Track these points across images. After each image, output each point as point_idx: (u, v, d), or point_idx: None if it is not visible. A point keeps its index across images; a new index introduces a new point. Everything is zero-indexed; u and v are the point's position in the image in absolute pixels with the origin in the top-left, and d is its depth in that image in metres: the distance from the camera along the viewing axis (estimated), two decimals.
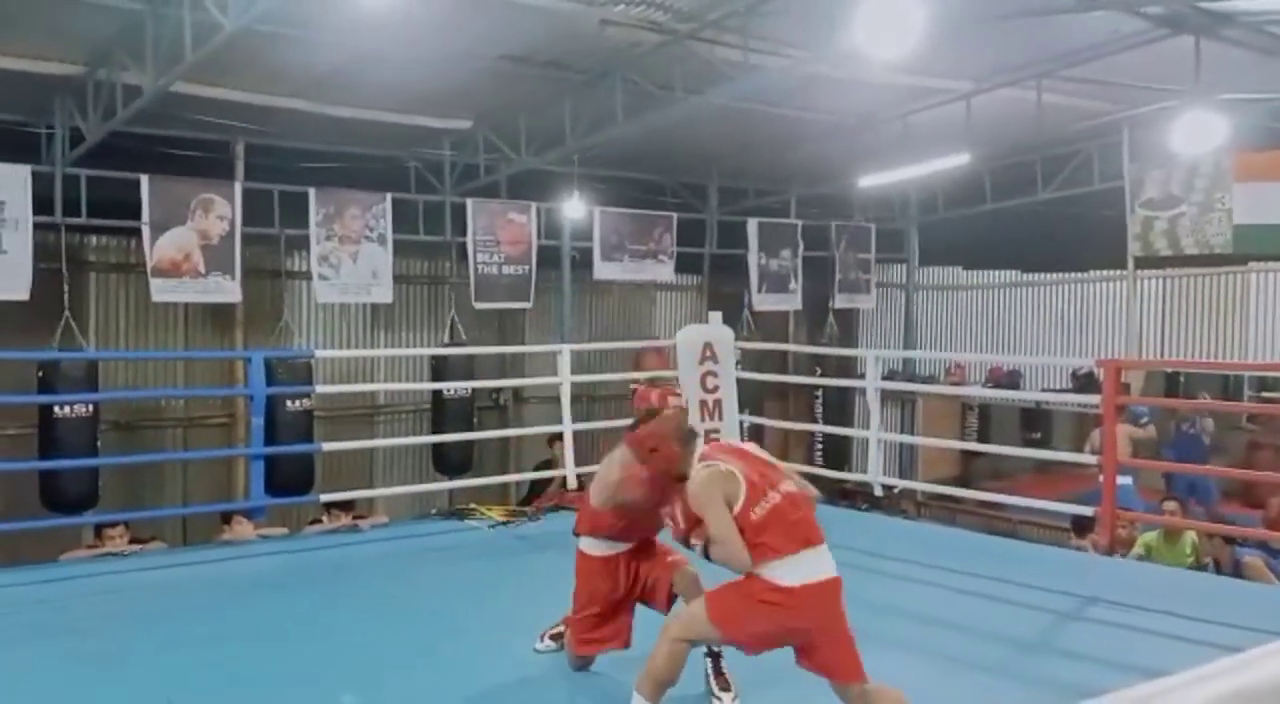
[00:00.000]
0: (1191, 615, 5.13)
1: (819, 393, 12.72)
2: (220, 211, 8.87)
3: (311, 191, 9.40)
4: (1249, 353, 11.37)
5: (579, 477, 8.41)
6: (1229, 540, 7.11)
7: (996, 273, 14.46)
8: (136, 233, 8.77)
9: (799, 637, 3.55)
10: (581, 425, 8.82)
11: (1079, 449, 9.49)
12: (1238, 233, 9.58)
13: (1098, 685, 2.27)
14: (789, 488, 3.63)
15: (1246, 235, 9.56)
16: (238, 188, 9.06)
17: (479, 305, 10.63)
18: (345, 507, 7.79)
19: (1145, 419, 9.35)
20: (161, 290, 8.71)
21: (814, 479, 6.15)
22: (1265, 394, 12.64)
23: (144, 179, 8.62)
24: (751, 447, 3.90)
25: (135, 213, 8.62)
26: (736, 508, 3.49)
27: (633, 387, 5.82)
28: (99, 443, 8.13)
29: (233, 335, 9.86)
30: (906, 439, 13.20)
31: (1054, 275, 13.70)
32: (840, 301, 13.65)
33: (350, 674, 4.39)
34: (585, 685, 4.27)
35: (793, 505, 3.56)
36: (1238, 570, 6.79)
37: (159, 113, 7.96)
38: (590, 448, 11.10)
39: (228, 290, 9.00)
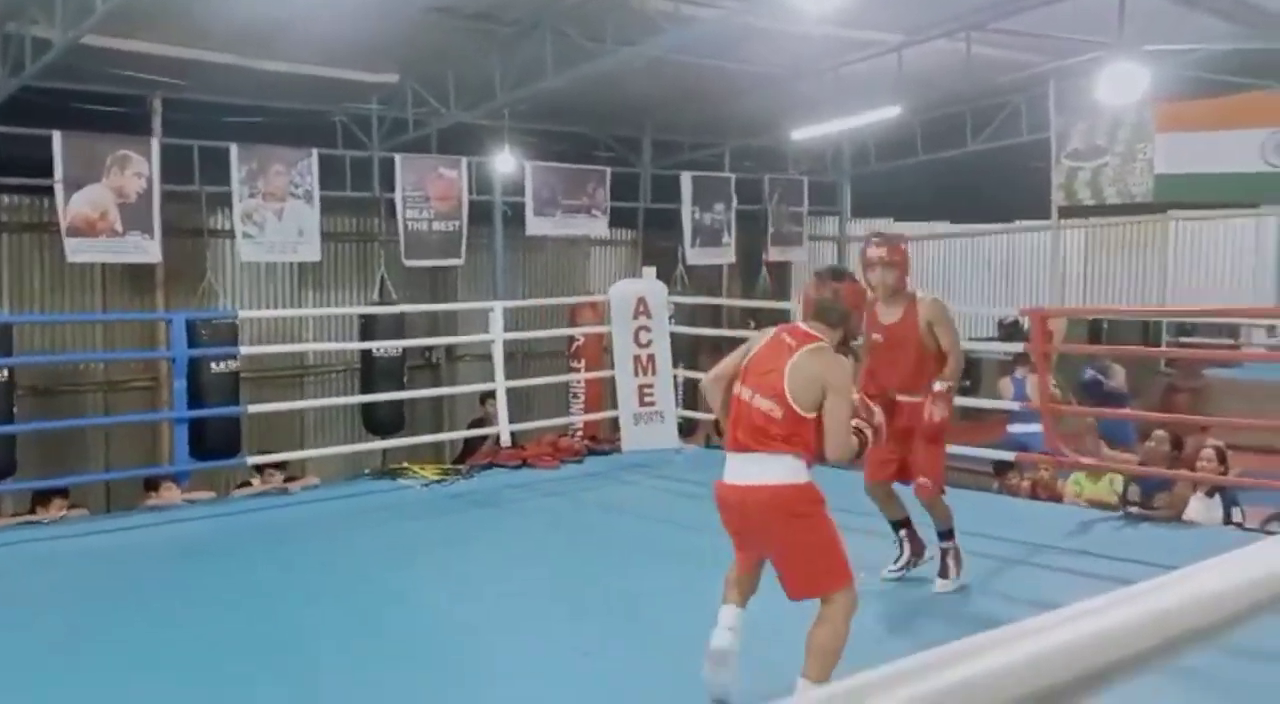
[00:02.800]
0: (1105, 554, 5.33)
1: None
2: (137, 168, 8.57)
3: (233, 147, 9.12)
4: (1168, 298, 11.69)
5: (512, 434, 8.37)
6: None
7: (927, 224, 14.64)
8: (50, 191, 8.45)
9: (733, 534, 3.55)
10: (514, 383, 8.75)
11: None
12: (1158, 182, 9.77)
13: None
14: (760, 403, 3.40)
15: (1167, 184, 9.76)
16: (155, 144, 8.75)
17: (409, 263, 10.46)
18: (276, 469, 7.66)
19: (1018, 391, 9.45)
20: (77, 250, 8.42)
21: None
22: (1183, 339, 13.03)
23: (56, 135, 8.29)
24: (795, 343, 3.48)
25: (48, 171, 8.30)
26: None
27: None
28: (15, 409, 7.87)
29: (153, 297, 9.57)
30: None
31: (982, 226, 13.91)
32: (774, 254, 13.70)
33: (285, 641, 4.33)
34: (532, 649, 4.26)
35: (750, 411, 3.42)
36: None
37: (72, 67, 7.64)
38: (524, 406, 11.08)
39: (147, 250, 8.73)
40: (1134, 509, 6.41)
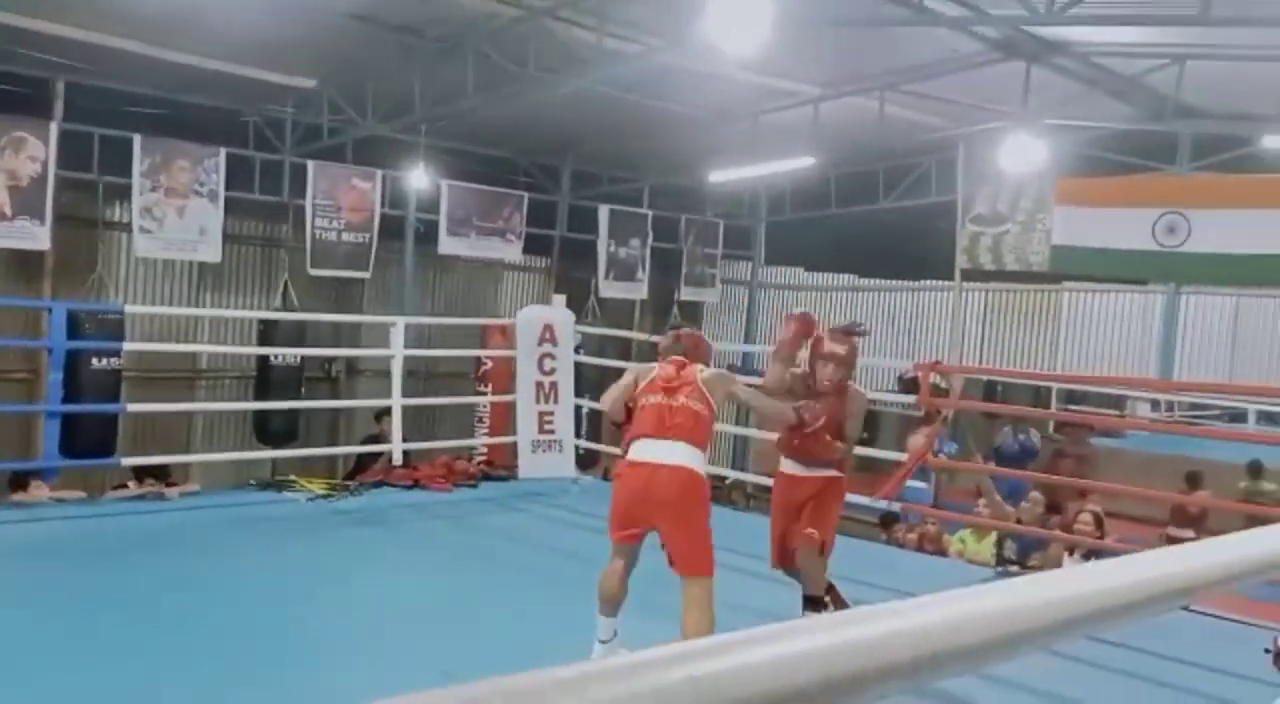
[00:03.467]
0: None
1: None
2: (32, 152, 8.28)
3: (136, 138, 8.87)
4: (1059, 364, 12.09)
5: (407, 454, 8.23)
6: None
7: (837, 276, 14.96)
8: None
9: (630, 514, 3.96)
10: (411, 401, 8.62)
11: (902, 449, 9.86)
12: (1054, 253, 10.14)
13: None
14: (685, 404, 4.02)
15: (1061, 256, 10.13)
16: (54, 128, 8.47)
17: (314, 272, 10.28)
18: (157, 473, 7.38)
19: (943, 454, 9.66)
20: None
21: None
22: (1071, 407, 13.48)
23: None
24: (694, 372, 4.17)
25: None
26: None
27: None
28: None
29: (40, 285, 9.21)
30: (739, 431, 13.49)
31: (889, 282, 14.26)
32: (686, 293, 13.83)
33: (132, 650, 4.15)
34: (391, 666, 4.16)
35: (673, 411, 4.00)
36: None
37: None
38: (427, 426, 10.93)
39: (36, 236, 8.42)
40: (1011, 567, 6.57)
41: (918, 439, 9.12)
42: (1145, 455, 10.64)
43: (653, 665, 0.65)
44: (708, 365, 4.38)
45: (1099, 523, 7.13)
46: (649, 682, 0.63)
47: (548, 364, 8.88)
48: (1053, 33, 7.59)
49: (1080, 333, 12.21)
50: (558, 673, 0.64)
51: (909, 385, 12.55)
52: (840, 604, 4.60)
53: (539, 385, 8.81)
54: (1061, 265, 10.53)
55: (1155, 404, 13.27)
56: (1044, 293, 12.41)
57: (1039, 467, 12.17)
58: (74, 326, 7.37)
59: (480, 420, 10.87)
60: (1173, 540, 9.02)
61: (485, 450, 9.76)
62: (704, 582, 3.86)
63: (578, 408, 9.11)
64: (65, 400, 7.08)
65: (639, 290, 13.20)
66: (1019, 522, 7.10)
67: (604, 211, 12.64)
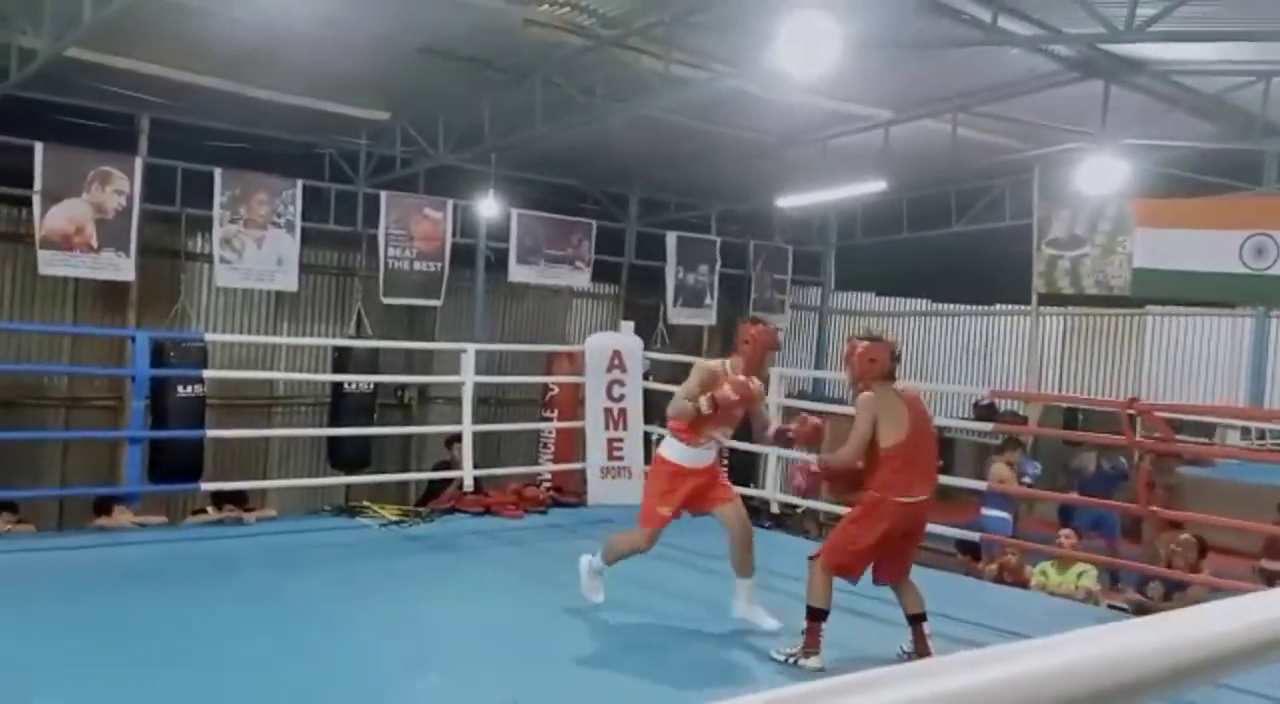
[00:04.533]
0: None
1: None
2: (118, 186, 8.55)
3: (217, 172, 9.12)
4: (1142, 393, 11.70)
5: (478, 480, 8.26)
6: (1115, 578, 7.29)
7: (908, 301, 14.73)
8: (28, 202, 8.40)
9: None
10: (481, 427, 8.66)
11: (979, 477, 9.62)
12: (1136, 276, 9.87)
13: None
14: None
15: (1144, 279, 9.87)
16: (138, 162, 8.74)
17: (388, 300, 10.42)
18: (235, 498, 7.51)
19: (1028, 477, 9.39)
20: (50, 263, 8.35)
21: None
22: (1156, 435, 13.04)
23: (38, 146, 8.27)
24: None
25: (28, 181, 8.26)
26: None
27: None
28: None
29: (125, 316, 9.47)
30: (809, 457, 13.29)
31: (962, 307, 14.00)
32: None
33: (218, 668, 4.20)
34: (460, 693, 4.15)
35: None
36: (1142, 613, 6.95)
37: (60, 79, 7.65)
38: (493, 451, 10.97)
39: (121, 268, 8.67)
40: (1147, 602, 6.38)
41: (1000, 468, 8.90)
42: (1235, 484, 10.22)
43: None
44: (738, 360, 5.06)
45: (1203, 551, 6.90)
46: None
47: (616, 390, 8.86)
48: (1131, 50, 7.40)
49: (1166, 358, 11.83)
50: None
51: (984, 412, 12.31)
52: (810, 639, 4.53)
53: (608, 412, 8.78)
54: (1144, 289, 10.25)
55: (1245, 431, 12.77)
56: (1126, 317, 12.06)
57: (1125, 497, 11.80)
58: (158, 355, 7.57)
59: (545, 446, 10.88)
60: (1266, 573, 8.64)
61: (550, 477, 9.76)
62: (637, 527, 5.10)
63: (646, 434, 9.06)
64: (155, 426, 7.26)
65: (707, 317, 13.15)
66: (1169, 565, 6.82)
67: (672, 238, 12.64)
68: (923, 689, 0.71)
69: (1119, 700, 0.83)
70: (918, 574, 4.83)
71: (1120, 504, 8.04)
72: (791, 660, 4.50)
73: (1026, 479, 9.08)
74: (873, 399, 4.49)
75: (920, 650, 4.55)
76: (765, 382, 5.70)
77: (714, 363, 5.18)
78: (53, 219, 8.29)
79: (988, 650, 0.79)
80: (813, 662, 4.47)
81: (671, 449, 5.06)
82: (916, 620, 4.57)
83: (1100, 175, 8.46)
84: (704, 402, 4.80)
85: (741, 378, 4.94)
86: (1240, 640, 0.94)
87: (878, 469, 4.47)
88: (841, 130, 9.72)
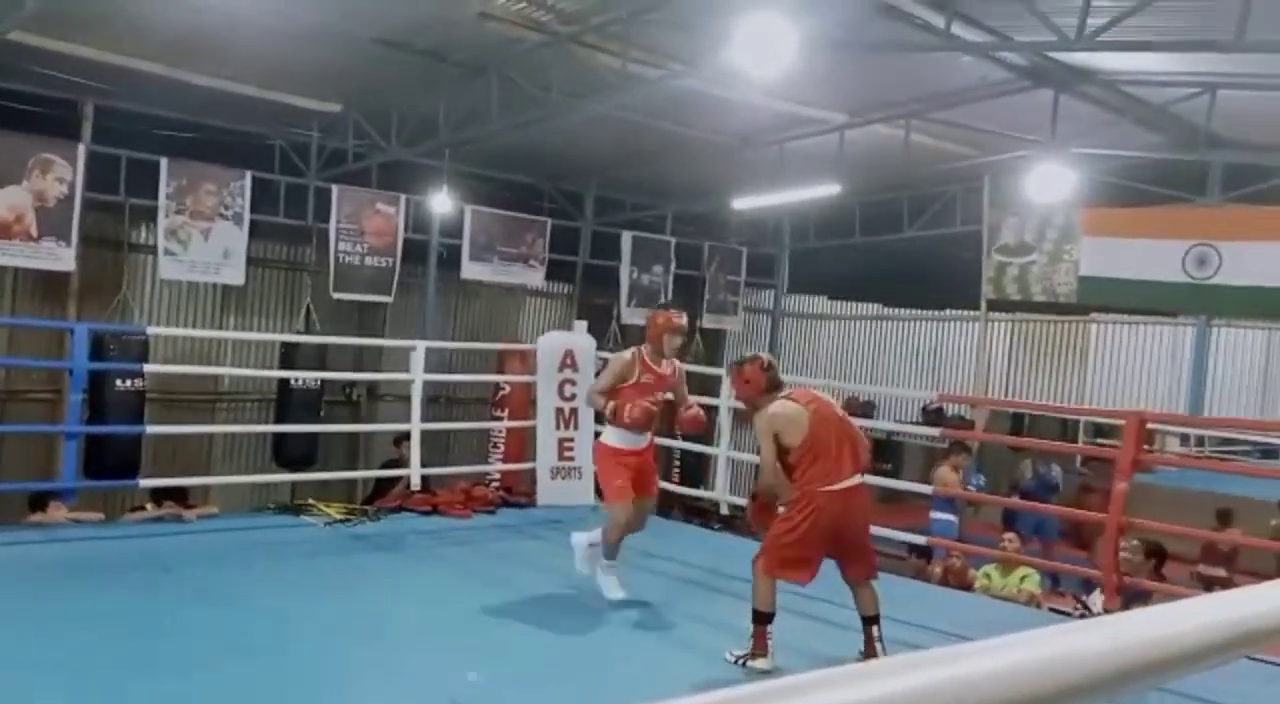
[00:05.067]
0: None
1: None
2: (60, 174, 8.33)
3: (163, 161, 8.92)
4: (1086, 398, 11.90)
5: (426, 480, 8.16)
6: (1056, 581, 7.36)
7: (860, 305, 14.84)
8: None
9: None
10: (430, 426, 8.56)
11: (926, 481, 9.70)
12: (1082, 284, 10.03)
13: None
14: None
15: (1089, 287, 10.02)
16: (81, 150, 8.53)
17: (338, 295, 10.28)
18: (175, 495, 7.34)
19: (972, 486, 9.47)
20: None
21: (666, 496, 6.59)
22: (1100, 440, 13.28)
23: None
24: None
25: None
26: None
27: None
28: None
29: (65, 307, 9.24)
30: (757, 459, 13.33)
31: (913, 312, 14.14)
32: (708, 322, 13.75)
33: (150, 670, 4.09)
34: (404, 693, 4.08)
35: None
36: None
37: (1, 64, 7.42)
38: (442, 450, 10.86)
39: (61, 258, 8.45)
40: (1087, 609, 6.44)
41: (945, 472, 8.98)
42: (1175, 491, 10.41)
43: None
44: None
45: (1160, 556, 6.99)
46: None
47: (568, 390, 8.79)
48: (1081, 60, 7.52)
49: (1109, 366, 12.03)
50: None
51: (933, 416, 12.44)
52: (757, 641, 4.54)
53: (559, 411, 8.71)
54: (1089, 297, 10.42)
55: (1185, 439, 13.03)
56: (1072, 324, 12.24)
57: (1065, 502, 11.99)
58: (97, 348, 7.38)
59: (495, 446, 10.79)
60: (1203, 578, 8.81)
61: (500, 476, 9.68)
62: (608, 506, 5.50)
63: (597, 434, 9.02)
64: (91, 421, 7.09)
65: None
66: (1121, 573, 6.88)
67: (627, 238, 12.62)
68: (861, 692, 0.68)
69: (1063, 702, 0.82)
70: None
71: (1084, 513, 8.13)
72: (741, 662, 4.50)
73: (971, 488, 9.18)
74: (763, 417, 4.61)
75: (868, 653, 4.56)
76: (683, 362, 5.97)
77: (626, 353, 5.65)
78: None
79: (933, 652, 0.77)
80: (760, 663, 4.46)
81: (610, 435, 5.56)
82: (868, 623, 4.59)
83: (1049, 183, 8.58)
84: (609, 407, 5.44)
85: (659, 366, 5.56)
86: (1187, 644, 0.93)
87: (793, 472, 4.54)
88: (797, 133, 9.77)
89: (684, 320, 5.74)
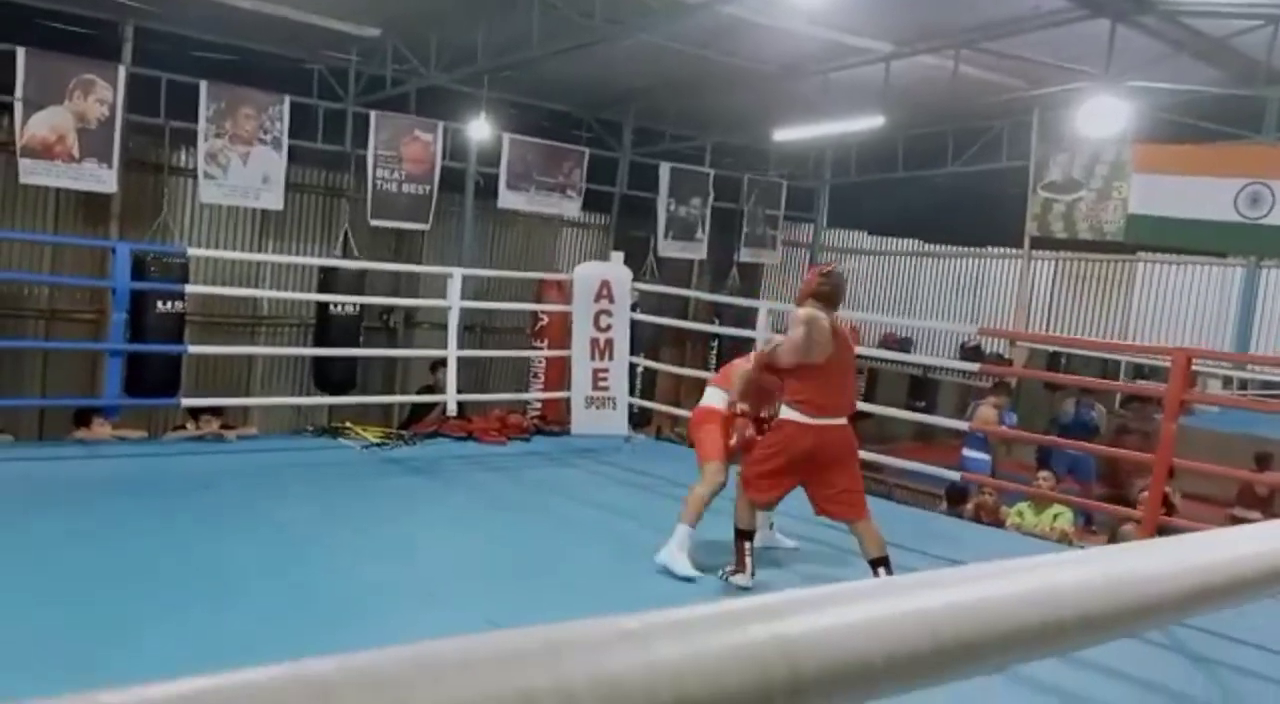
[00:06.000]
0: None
1: (715, 342, 12.70)
2: (101, 95, 8.34)
3: (203, 84, 8.90)
4: (1130, 338, 11.73)
5: (462, 406, 8.24)
6: (1089, 520, 7.32)
7: (900, 241, 14.64)
8: (8, 109, 8.20)
9: None
10: (466, 352, 8.61)
11: (961, 418, 9.66)
12: (1130, 222, 9.81)
13: None
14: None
15: (1138, 225, 9.81)
16: (122, 72, 8.52)
17: (375, 222, 10.29)
18: (214, 414, 7.48)
19: (1007, 422, 9.42)
20: (30, 172, 8.19)
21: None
22: (1140, 382, 13.10)
23: (20, 52, 8.04)
24: None
25: (9, 87, 8.06)
26: None
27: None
28: None
29: (106, 228, 9.32)
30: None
31: (954, 248, 13.93)
32: (745, 255, 13.65)
33: (189, 586, 4.20)
34: (436, 615, 4.16)
35: None
36: (1114, 542, 7.01)
37: None
38: (481, 379, 10.95)
39: (103, 179, 8.50)
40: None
41: (987, 410, 8.92)
42: (1214, 434, 10.28)
43: (733, 620, 0.57)
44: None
45: (1167, 502, 6.90)
46: (727, 638, 0.55)
47: (604, 321, 8.81)
48: None
49: (1154, 305, 11.81)
50: (622, 622, 0.56)
51: (971, 353, 12.33)
52: (738, 558, 4.71)
53: (594, 342, 8.75)
54: (1137, 235, 10.19)
55: (1228, 381, 12.83)
56: (1117, 263, 12.01)
57: (1103, 442, 11.89)
58: (139, 269, 7.45)
59: (534, 376, 10.86)
60: (1238, 521, 8.74)
61: (539, 405, 9.75)
62: (704, 468, 4.98)
63: (632, 366, 9.04)
64: (132, 342, 7.18)
65: (698, 250, 13.05)
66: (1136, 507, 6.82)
67: (665, 169, 12.49)
68: (915, 601, 0.67)
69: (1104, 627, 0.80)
70: (896, 513, 4.86)
71: (1128, 453, 8.04)
72: (724, 577, 4.67)
73: (1006, 425, 9.13)
74: (809, 312, 4.57)
75: None
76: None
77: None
78: (34, 127, 8.10)
79: (1000, 564, 0.75)
80: (739, 579, 4.62)
81: (717, 398, 5.25)
82: (875, 565, 4.49)
83: (1101, 117, 8.33)
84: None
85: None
86: (1226, 574, 0.91)
87: (796, 385, 4.57)
88: (842, 63, 9.55)
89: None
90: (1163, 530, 6.52)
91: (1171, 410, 6.03)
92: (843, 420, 4.59)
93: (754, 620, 0.60)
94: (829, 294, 4.62)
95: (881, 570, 4.47)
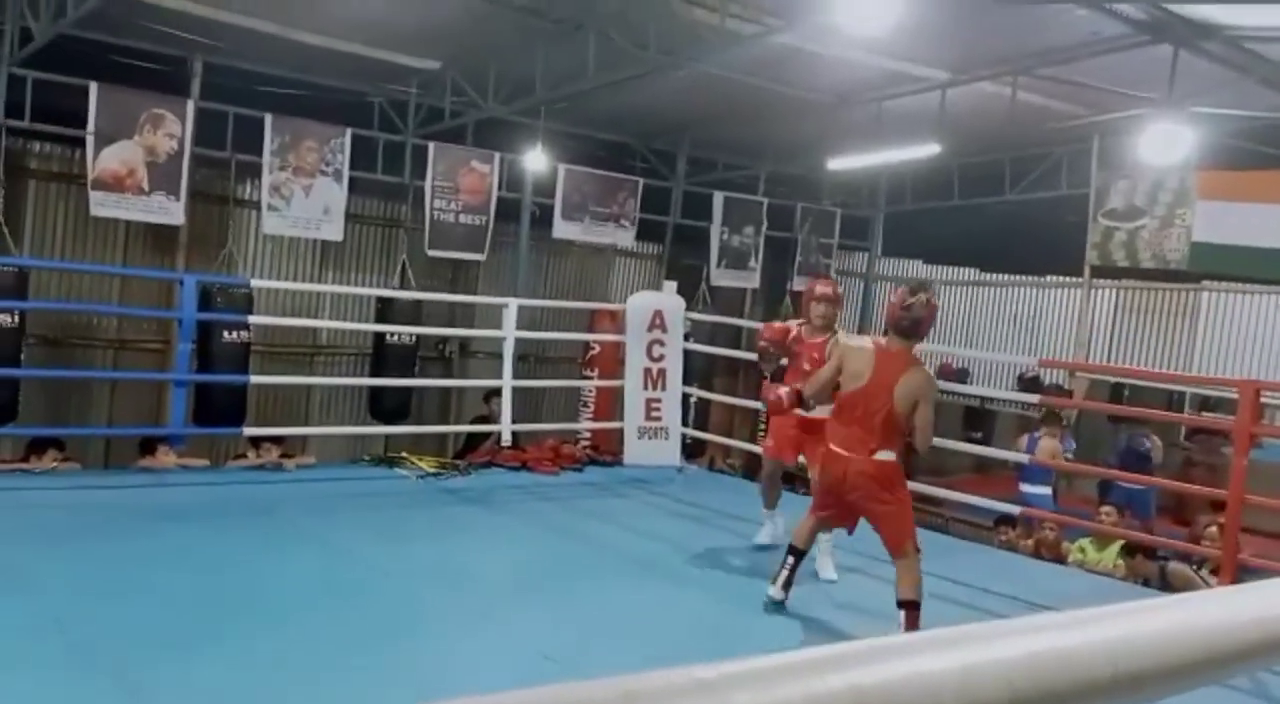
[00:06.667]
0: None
1: (768, 373, 12.60)
2: (170, 129, 8.58)
3: (268, 118, 9.12)
4: (1195, 368, 11.46)
5: (515, 436, 8.28)
6: (1151, 556, 7.12)
7: (956, 269, 14.47)
8: (81, 142, 8.46)
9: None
10: (520, 382, 8.67)
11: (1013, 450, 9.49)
12: (1195, 250, 9.63)
13: None
14: None
15: (1203, 253, 9.62)
16: (190, 106, 8.76)
17: (432, 253, 10.42)
18: (274, 443, 7.60)
19: (1069, 453, 9.26)
20: (101, 204, 8.42)
21: (753, 460, 6.54)
22: (1205, 414, 12.77)
23: (93, 86, 8.31)
24: None
25: (81, 121, 8.31)
26: None
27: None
28: (23, 356, 7.85)
29: (174, 259, 9.54)
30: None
31: (1012, 277, 13.74)
32: (799, 284, 13.57)
33: (250, 609, 4.25)
34: (493, 646, 4.17)
35: None
36: (1164, 580, 6.82)
37: (115, 20, 7.66)
38: (533, 408, 11.00)
39: (171, 212, 8.72)
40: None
41: (1050, 442, 8.74)
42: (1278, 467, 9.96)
43: (809, 669, 0.56)
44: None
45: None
46: (803, 687, 0.54)
47: (657, 351, 8.81)
48: (1203, 14, 7.14)
49: (1220, 335, 11.52)
50: (697, 672, 0.55)
51: (1029, 384, 12.12)
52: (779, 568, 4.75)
53: (647, 372, 8.75)
54: (1202, 264, 9.98)
55: None
56: (1181, 292, 11.75)
57: (1166, 475, 11.58)
58: (205, 300, 7.64)
59: (585, 405, 10.89)
60: None
61: (590, 435, 9.77)
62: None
63: (685, 396, 9.02)
64: (199, 371, 7.34)
65: (751, 279, 13.03)
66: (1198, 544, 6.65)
67: (718, 198, 12.51)
68: (990, 652, 0.65)
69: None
70: (955, 547, 4.78)
71: (1196, 488, 7.83)
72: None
73: (1065, 455, 8.95)
74: (839, 344, 4.75)
75: None
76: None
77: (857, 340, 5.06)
78: (105, 160, 8.35)
79: (1072, 614, 0.73)
80: (772, 591, 4.71)
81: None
82: (902, 606, 4.32)
83: (1163, 144, 8.18)
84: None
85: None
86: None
87: (832, 412, 4.69)
88: (897, 91, 9.51)
89: (826, 288, 5.81)
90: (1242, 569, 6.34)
91: (1241, 444, 5.88)
92: (861, 456, 4.42)
93: (830, 670, 0.60)
94: (907, 329, 4.52)
95: (903, 614, 4.29)
